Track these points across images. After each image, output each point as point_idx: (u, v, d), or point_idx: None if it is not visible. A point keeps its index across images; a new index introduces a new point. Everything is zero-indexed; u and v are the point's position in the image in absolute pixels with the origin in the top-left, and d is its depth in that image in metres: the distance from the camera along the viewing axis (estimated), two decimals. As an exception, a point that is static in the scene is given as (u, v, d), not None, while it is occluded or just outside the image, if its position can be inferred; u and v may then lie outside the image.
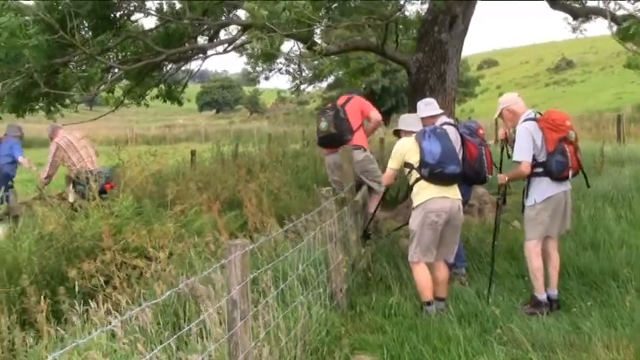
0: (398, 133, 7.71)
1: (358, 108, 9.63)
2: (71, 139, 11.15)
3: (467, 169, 7.73)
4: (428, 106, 8.09)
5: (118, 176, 9.89)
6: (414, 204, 7.03)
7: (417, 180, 6.96)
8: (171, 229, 7.26)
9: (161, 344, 4.64)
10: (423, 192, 6.90)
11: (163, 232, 7.12)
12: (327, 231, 6.74)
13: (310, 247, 6.73)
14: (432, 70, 11.25)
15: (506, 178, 7.23)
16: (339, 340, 6.07)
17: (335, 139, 9.43)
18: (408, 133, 7.38)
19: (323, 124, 9.45)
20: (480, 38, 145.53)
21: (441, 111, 8.18)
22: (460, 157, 7.67)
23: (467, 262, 8.18)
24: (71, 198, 9.94)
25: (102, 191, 9.29)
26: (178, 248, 6.86)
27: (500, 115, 7.35)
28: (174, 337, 4.19)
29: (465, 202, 8.27)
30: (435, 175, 6.80)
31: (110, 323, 4.89)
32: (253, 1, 8.97)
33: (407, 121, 7.71)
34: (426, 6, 13.29)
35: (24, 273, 6.54)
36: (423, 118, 7.81)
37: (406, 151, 7.07)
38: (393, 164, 7.34)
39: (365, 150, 9.50)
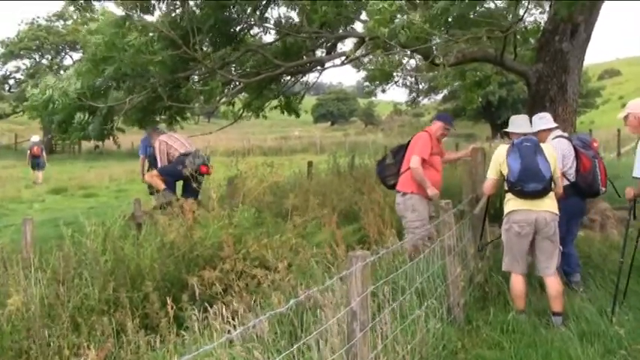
0: (509, 135, 7.67)
1: (413, 145, 8.93)
2: (170, 133, 12.24)
3: (580, 181, 7.68)
4: (541, 120, 8.00)
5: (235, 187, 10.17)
6: (504, 213, 7.12)
7: (507, 191, 7.04)
8: (292, 239, 7.36)
9: (278, 353, 4.70)
10: (510, 202, 7.01)
11: (283, 242, 7.22)
12: (445, 244, 6.69)
13: (428, 260, 6.68)
14: (552, 81, 10.97)
15: (632, 193, 6.98)
16: (456, 355, 5.98)
17: (385, 185, 9.52)
18: (516, 135, 7.42)
19: None
20: (602, 47, 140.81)
21: (554, 125, 8.01)
22: (573, 169, 7.69)
23: (580, 266, 7.98)
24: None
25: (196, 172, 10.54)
26: (297, 259, 6.93)
27: (625, 119, 7.10)
28: (295, 346, 4.23)
29: (580, 215, 8.12)
30: (516, 191, 6.87)
31: (229, 331, 4.99)
32: (373, 19, 8.97)
33: (516, 122, 7.75)
34: (544, 16, 13.01)
35: (147, 279, 6.77)
36: (536, 133, 7.72)
37: (501, 160, 7.09)
38: (491, 173, 7.38)
39: (405, 195, 8.78)
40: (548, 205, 6.90)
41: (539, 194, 6.81)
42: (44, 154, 28.94)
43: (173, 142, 11.75)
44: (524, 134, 7.33)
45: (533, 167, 6.80)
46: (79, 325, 6.03)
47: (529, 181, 6.73)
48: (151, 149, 12.56)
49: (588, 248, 8.91)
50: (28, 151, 28.62)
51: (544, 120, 8.02)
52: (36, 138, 30.38)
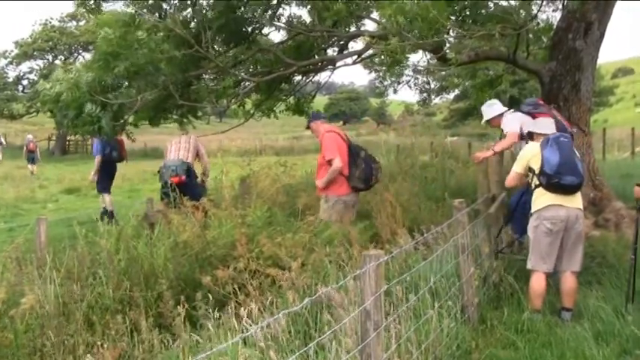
0: (531, 136, 7.65)
1: None
2: (179, 139, 12.06)
3: None
4: (492, 107, 8.78)
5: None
6: (532, 210, 7.12)
7: (537, 186, 7.02)
8: (306, 238, 7.34)
9: (292, 353, 4.69)
10: (541, 198, 7.00)
11: (296, 241, 7.20)
12: (459, 243, 6.66)
13: (442, 260, 6.66)
14: (565, 80, 10.89)
15: None
16: (470, 355, 5.97)
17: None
18: (540, 135, 7.36)
19: None
20: (615, 45, 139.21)
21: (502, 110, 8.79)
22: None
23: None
24: None
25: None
26: (310, 258, 6.91)
27: None
28: (310, 345, 4.21)
29: None
30: (552, 184, 6.85)
31: (243, 330, 4.97)
32: (388, 7, 8.95)
33: (541, 123, 7.65)
34: (557, 14, 12.92)
35: (160, 279, 6.78)
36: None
37: (531, 156, 7.12)
38: (517, 167, 7.41)
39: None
40: (579, 201, 7.00)
41: (575, 189, 6.89)
42: (38, 149, 35.61)
43: (171, 147, 11.91)
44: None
45: (572, 160, 6.87)
46: (94, 323, 6.04)
47: (567, 174, 6.77)
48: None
49: (603, 247, 8.86)
50: (25, 147, 35.30)
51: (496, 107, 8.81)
52: (30, 136, 37.20)
